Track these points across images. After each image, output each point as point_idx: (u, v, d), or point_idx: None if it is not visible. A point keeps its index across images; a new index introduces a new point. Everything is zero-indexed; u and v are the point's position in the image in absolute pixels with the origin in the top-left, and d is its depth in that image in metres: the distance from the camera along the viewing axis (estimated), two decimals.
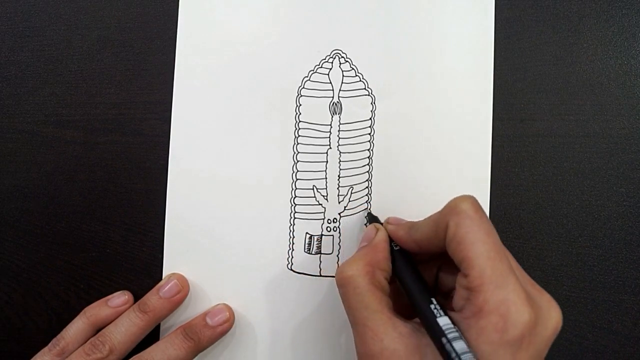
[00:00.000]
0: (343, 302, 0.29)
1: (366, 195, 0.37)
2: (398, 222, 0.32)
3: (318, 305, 0.37)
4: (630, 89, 0.37)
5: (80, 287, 0.38)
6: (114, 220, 0.38)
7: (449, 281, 0.30)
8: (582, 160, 0.37)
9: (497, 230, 0.36)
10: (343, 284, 0.28)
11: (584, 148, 0.37)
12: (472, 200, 0.27)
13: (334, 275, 0.37)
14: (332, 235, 0.37)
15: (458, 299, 0.26)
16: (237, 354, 0.37)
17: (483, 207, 0.36)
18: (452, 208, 0.27)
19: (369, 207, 0.37)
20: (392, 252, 0.31)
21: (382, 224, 0.33)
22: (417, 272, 0.29)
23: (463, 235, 0.26)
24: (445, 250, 0.27)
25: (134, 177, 0.38)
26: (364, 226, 0.36)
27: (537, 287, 0.27)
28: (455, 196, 0.28)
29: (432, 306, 0.26)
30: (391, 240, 0.31)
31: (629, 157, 0.37)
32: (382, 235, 0.31)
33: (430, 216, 0.29)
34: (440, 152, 0.37)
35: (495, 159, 0.37)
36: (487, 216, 0.27)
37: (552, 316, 0.25)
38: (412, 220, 0.32)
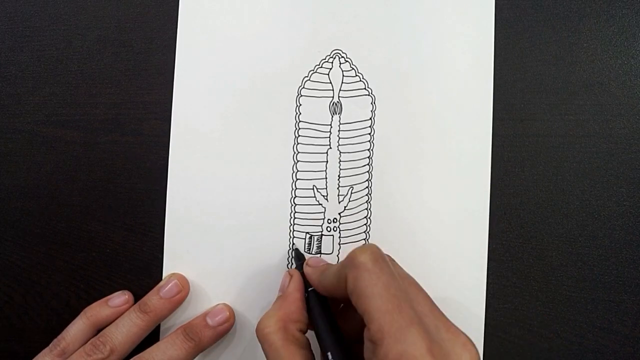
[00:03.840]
0: (265, 356, 0.29)
1: (366, 195, 0.37)
2: (316, 265, 0.32)
3: None
4: (630, 89, 0.37)
5: (80, 287, 0.38)
6: (114, 220, 0.38)
7: None
8: (582, 160, 0.37)
9: (497, 230, 0.37)
10: (261, 341, 0.29)
11: (584, 148, 0.37)
12: (373, 251, 0.27)
13: None
14: (332, 235, 0.37)
15: (366, 350, 0.26)
16: (237, 354, 0.37)
17: (483, 207, 0.37)
18: (350, 260, 0.27)
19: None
20: (308, 296, 0.31)
21: (301, 266, 0.33)
22: (328, 317, 0.30)
23: (361, 289, 0.26)
24: None
25: (134, 177, 0.38)
26: (286, 266, 0.37)
27: (453, 329, 0.26)
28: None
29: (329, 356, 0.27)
30: (307, 282, 0.32)
31: (629, 157, 0.37)
32: (294, 285, 0.32)
33: (336, 264, 0.29)
34: (440, 152, 0.37)
35: (495, 159, 0.37)
36: (388, 265, 0.27)
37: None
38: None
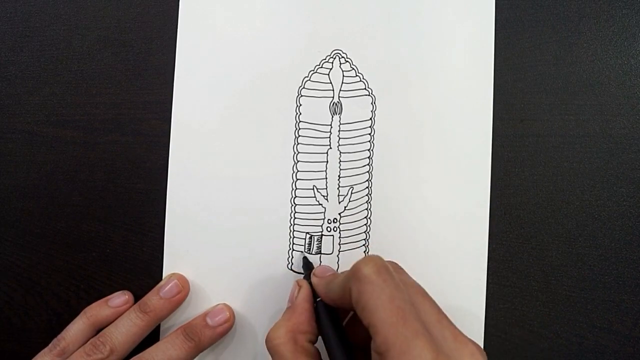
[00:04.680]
0: None
1: (366, 195, 0.37)
2: (323, 274, 0.32)
3: None
4: (630, 89, 0.37)
5: (80, 287, 0.38)
6: (114, 220, 0.38)
7: None
8: (582, 160, 0.37)
9: (497, 230, 0.37)
10: (271, 352, 0.29)
11: (584, 148, 0.37)
12: (376, 262, 0.27)
13: None
14: (332, 235, 0.37)
15: None
16: (237, 354, 0.37)
17: (483, 207, 0.37)
18: (354, 272, 0.27)
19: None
20: (317, 306, 0.31)
21: (309, 275, 0.33)
22: (338, 328, 0.30)
23: (365, 302, 0.26)
24: None
25: (134, 177, 0.38)
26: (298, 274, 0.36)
27: (460, 338, 0.26)
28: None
29: None
30: (315, 292, 0.32)
31: (629, 157, 0.37)
32: (303, 295, 0.32)
33: (341, 275, 0.29)
34: (440, 152, 0.37)
35: (495, 159, 0.37)
36: (392, 277, 0.27)
37: None
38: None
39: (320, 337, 0.30)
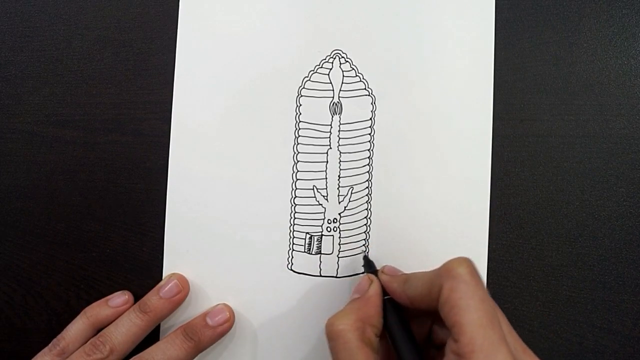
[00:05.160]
0: (332, 354, 0.28)
1: (366, 195, 0.37)
2: (393, 273, 0.32)
3: (318, 305, 0.37)
4: (630, 89, 0.37)
5: (80, 287, 0.38)
6: (114, 220, 0.38)
7: (442, 334, 0.30)
8: (582, 160, 0.37)
9: (497, 230, 0.37)
10: (333, 337, 0.28)
11: (584, 148, 0.37)
12: (469, 264, 0.27)
13: (334, 275, 0.37)
14: (332, 235, 0.37)
15: None
16: (237, 354, 0.37)
17: (483, 207, 0.37)
18: (448, 270, 0.27)
19: (366, 250, 0.37)
20: (384, 303, 0.31)
21: (376, 272, 0.33)
22: (407, 328, 0.29)
23: (456, 300, 0.26)
24: (438, 309, 0.27)
25: (134, 177, 0.38)
26: (361, 267, 0.36)
27: (529, 352, 0.26)
28: (452, 257, 0.27)
29: None
30: (384, 290, 0.31)
31: (629, 157, 0.37)
32: (375, 289, 0.31)
33: (425, 273, 0.29)
34: (440, 152, 0.37)
35: (495, 159, 0.37)
36: (482, 281, 0.27)
37: None
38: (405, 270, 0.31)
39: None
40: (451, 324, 0.25)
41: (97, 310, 0.36)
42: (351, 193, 0.37)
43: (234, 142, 0.37)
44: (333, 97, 0.37)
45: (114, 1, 0.39)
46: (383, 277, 0.32)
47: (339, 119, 0.37)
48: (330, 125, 0.37)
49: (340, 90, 0.37)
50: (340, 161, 0.37)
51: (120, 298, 0.37)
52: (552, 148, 0.37)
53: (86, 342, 0.35)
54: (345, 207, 0.37)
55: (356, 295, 0.31)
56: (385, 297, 0.31)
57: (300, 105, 0.37)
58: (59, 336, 0.35)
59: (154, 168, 0.38)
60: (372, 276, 0.32)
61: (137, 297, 0.37)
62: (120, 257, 0.38)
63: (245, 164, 0.37)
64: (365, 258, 0.36)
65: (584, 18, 0.37)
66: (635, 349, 0.36)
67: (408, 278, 0.30)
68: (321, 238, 0.37)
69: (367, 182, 0.37)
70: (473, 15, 0.37)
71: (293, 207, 0.37)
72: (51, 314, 0.39)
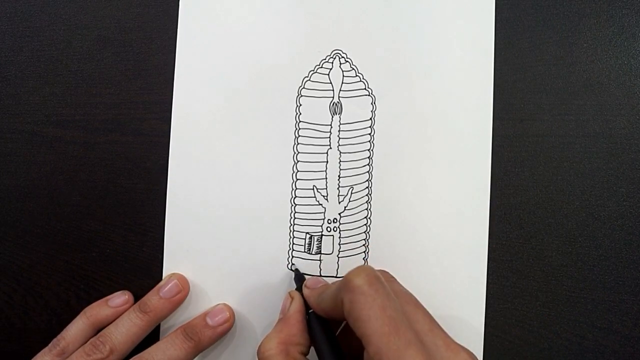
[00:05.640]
0: None
1: (366, 195, 0.37)
2: (314, 286, 0.32)
3: None
4: (630, 89, 0.37)
5: (80, 287, 0.38)
6: (114, 220, 0.38)
7: None
8: (582, 160, 0.37)
9: (497, 230, 0.37)
10: None
11: (584, 148, 0.37)
12: (368, 272, 0.27)
13: (334, 275, 0.37)
14: (332, 235, 0.37)
15: None
16: (237, 354, 0.37)
17: (483, 207, 0.37)
18: (345, 284, 0.27)
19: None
20: (309, 318, 0.31)
21: (301, 287, 0.33)
22: (331, 340, 0.29)
23: (358, 313, 0.26)
24: None
25: (134, 177, 0.38)
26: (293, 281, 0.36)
27: (453, 346, 0.26)
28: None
29: None
30: (307, 304, 0.32)
31: (629, 157, 0.37)
32: (295, 307, 0.32)
33: (332, 285, 0.29)
34: (440, 152, 0.37)
35: (495, 159, 0.37)
36: (384, 286, 0.26)
37: None
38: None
39: (312, 349, 0.30)
40: (359, 336, 0.26)
41: (97, 310, 0.36)
42: (351, 193, 0.37)
43: (234, 142, 0.37)
44: (333, 97, 0.37)
45: (114, 1, 0.39)
46: (305, 291, 0.32)
47: (339, 119, 0.37)
48: (330, 125, 0.37)
49: (340, 90, 0.37)
50: (340, 161, 0.37)
51: (120, 298, 0.37)
52: (552, 148, 0.37)
53: (86, 342, 0.35)
54: (345, 207, 0.37)
55: (280, 316, 0.32)
56: (310, 312, 0.31)
57: (300, 105, 0.37)
58: (58, 336, 0.35)
59: (154, 168, 0.38)
60: (294, 292, 0.33)
61: (137, 297, 0.37)
62: (120, 257, 0.38)
63: (245, 164, 0.37)
64: (296, 272, 0.36)
65: (584, 18, 0.37)
66: (635, 349, 0.36)
67: (322, 291, 0.30)
68: (321, 238, 0.37)
69: (367, 182, 0.37)
70: (473, 15, 0.37)
71: (293, 207, 0.37)
72: (51, 314, 0.39)
